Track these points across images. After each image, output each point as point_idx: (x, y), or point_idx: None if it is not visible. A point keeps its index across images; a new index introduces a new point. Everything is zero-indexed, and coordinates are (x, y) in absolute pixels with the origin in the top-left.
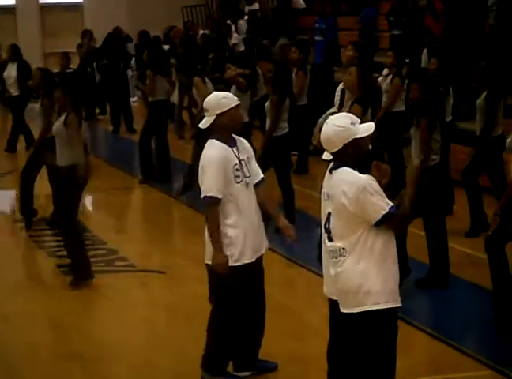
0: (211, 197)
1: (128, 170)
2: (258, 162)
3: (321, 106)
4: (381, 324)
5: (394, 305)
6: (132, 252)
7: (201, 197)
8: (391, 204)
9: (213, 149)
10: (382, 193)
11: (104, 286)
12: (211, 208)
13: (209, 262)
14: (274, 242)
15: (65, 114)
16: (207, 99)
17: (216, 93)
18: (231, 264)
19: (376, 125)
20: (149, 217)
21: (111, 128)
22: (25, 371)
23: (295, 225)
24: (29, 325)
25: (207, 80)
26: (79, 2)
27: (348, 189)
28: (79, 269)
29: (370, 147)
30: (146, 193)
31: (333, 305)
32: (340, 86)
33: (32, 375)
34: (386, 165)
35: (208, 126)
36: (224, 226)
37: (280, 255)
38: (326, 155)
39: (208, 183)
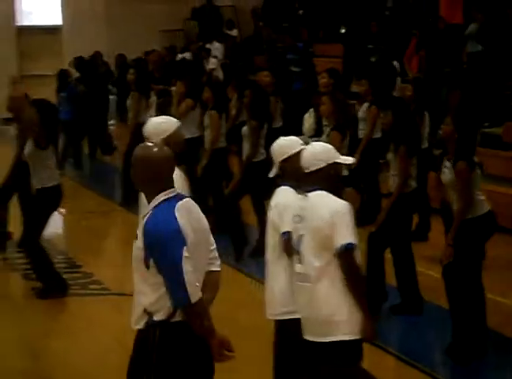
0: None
1: (105, 193)
2: (235, 188)
3: (298, 130)
4: (349, 354)
5: (358, 337)
6: (107, 275)
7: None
8: (353, 241)
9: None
10: (353, 225)
11: (78, 309)
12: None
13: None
14: (249, 265)
15: (34, 136)
16: (146, 127)
17: (154, 119)
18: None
19: (359, 154)
20: (125, 240)
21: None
22: None
23: None
24: (3, 351)
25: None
26: (58, 25)
27: (327, 212)
28: (49, 286)
29: (346, 173)
30: (123, 216)
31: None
32: (307, 114)
33: None
34: (353, 190)
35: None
36: None
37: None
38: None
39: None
